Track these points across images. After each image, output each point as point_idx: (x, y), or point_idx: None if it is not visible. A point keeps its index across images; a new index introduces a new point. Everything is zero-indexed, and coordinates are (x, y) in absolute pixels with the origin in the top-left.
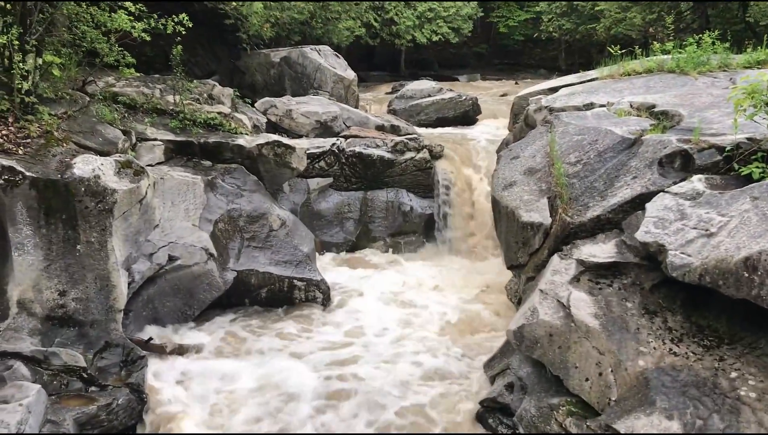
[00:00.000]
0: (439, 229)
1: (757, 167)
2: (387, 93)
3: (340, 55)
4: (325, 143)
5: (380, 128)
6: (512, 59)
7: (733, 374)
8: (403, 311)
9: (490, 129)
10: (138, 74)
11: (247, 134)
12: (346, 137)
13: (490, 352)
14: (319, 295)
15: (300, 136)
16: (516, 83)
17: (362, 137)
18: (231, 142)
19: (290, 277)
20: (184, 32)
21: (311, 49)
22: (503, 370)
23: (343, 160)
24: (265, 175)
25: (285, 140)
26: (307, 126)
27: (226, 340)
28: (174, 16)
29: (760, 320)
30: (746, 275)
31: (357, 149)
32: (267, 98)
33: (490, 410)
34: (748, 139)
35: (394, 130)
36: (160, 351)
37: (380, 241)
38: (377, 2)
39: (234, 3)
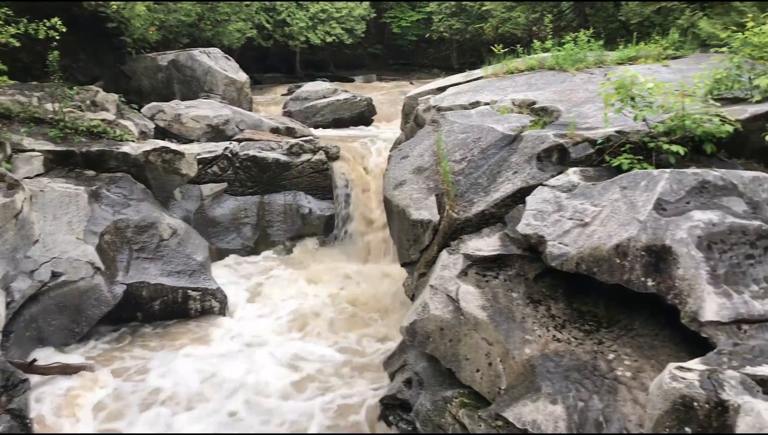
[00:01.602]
0: (339, 230)
1: (626, 158)
2: (283, 95)
3: (231, 58)
4: (218, 147)
5: (275, 131)
6: (407, 59)
7: (611, 356)
8: (303, 315)
9: (386, 129)
10: (12, 82)
11: (133, 141)
12: (239, 141)
13: (389, 350)
14: (216, 304)
15: (191, 141)
16: (411, 83)
17: (256, 140)
18: (116, 150)
19: (184, 287)
20: (58, 36)
21: (200, 51)
22: (401, 367)
23: (237, 165)
24: (154, 183)
25: (173, 146)
26: (197, 130)
27: (112, 357)
28: (47, 20)
29: (634, 303)
30: (618, 261)
31: (251, 153)
32: (154, 103)
33: (390, 407)
34: (617, 132)
35: (290, 132)
36: (45, 373)
37: (280, 245)
38: (268, 3)
39: (115, 5)
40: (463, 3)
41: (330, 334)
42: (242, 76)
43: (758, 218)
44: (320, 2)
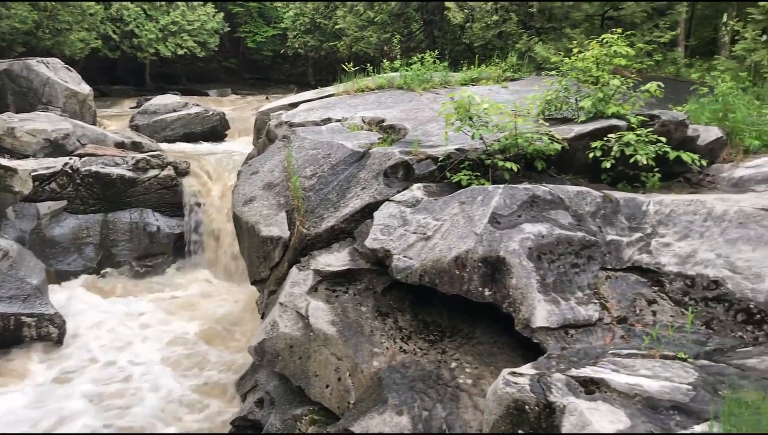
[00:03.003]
0: (190, 249)
1: (465, 175)
2: (131, 108)
3: (72, 69)
4: (56, 163)
5: (120, 145)
6: (263, 74)
7: (453, 364)
8: (149, 339)
9: (239, 144)
10: None
11: None
12: (81, 156)
13: (242, 370)
14: (54, 330)
15: (26, 157)
16: (267, 98)
17: (100, 155)
18: None
19: (17, 313)
20: None
21: (38, 61)
22: (253, 387)
23: (78, 181)
24: None
25: (4, 161)
26: (33, 145)
27: None
28: None
29: (475, 312)
30: (457, 272)
31: (93, 168)
32: None
33: (242, 429)
34: (457, 149)
35: (136, 146)
36: None
37: (126, 266)
38: (115, 12)
39: None
40: (318, 21)
41: (177, 358)
42: (85, 88)
43: (582, 229)
44: (171, 14)
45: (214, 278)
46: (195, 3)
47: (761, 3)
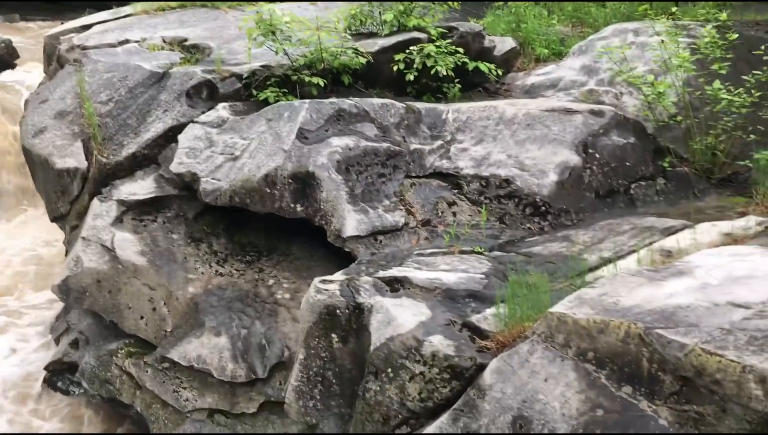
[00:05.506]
0: None
1: (272, 92)
2: None
3: None
4: None
5: None
6: None
7: (271, 281)
8: None
9: (31, 73)
10: None
11: None
12: None
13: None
14: None
15: None
16: (62, 23)
17: None
18: None
19: None
20: None
21: None
22: (66, 329)
23: None
24: None
25: None
26: None
27: None
28: None
29: (291, 229)
30: (268, 191)
31: None
32: None
33: (58, 373)
34: (263, 66)
35: None
36: None
37: None
38: None
39: None
40: None
41: None
42: None
43: (387, 140)
44: None
45: (13, 219)
46: None
47: None
